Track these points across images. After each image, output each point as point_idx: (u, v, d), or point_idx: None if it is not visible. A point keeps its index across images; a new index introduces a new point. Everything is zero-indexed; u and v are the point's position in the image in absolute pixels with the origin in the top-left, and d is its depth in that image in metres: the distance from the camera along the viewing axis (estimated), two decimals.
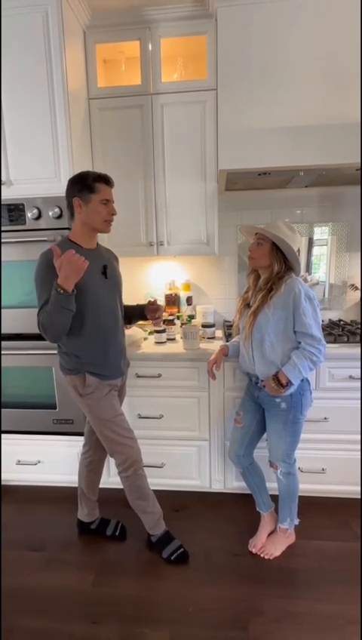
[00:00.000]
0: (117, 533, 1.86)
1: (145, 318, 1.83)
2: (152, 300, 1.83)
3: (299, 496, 1.74)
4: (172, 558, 1.70)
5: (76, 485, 1.88)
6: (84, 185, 1.50)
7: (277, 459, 1.70)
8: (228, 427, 2.01)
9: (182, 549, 1.72)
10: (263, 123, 1.87)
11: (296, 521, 1.78)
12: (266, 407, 1.69)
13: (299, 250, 1.61)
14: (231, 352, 1.82)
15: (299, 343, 1.56)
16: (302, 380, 1.59)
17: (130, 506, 1.70)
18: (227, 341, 1.93)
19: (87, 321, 1.52)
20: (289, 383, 1.54)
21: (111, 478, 2.11)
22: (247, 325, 1.61)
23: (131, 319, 1.85)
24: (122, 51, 2.19)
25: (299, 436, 1.68)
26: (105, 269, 1.61)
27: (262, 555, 1.72)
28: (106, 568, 1.69)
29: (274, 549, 1.74)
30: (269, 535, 1.79)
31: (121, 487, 1.68)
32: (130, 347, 2.01)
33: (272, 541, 1.76)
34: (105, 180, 1.54)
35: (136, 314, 1.83)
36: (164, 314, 2.03)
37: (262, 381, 1.64)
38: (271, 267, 1.58)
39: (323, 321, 2.31)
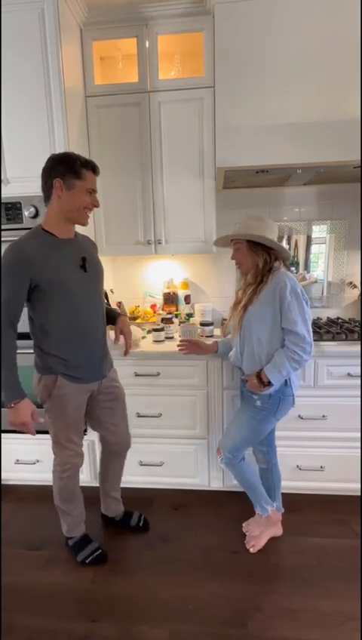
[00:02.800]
0: (140, 524, 1.88)
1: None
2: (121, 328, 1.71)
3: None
4: (87, 561, 1.68)
5: None
6: (71, 168, 1.37)
7: (225, 447, 1.68)
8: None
9: (99, 551, 1.70)
10: (261, 120, 1.86)
11: (270, 507, 1.76)
12: (243, 399, 1.71)
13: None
14: (221, 349, 1.83)
15: (285, 340, 1.54)
16: (286, 383, 1.58)
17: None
18: None
19: (63, 320, 1.43)
20: (270, 383, 1.53)
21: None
22: (237, 319, 1.61)
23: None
24: (119, 48, 2.18)
25: (258, 437, 1.68)
26: (85, 262, 1.48)
27: (248, 547, 1.75)
28: (105, 566, 1.69)
29: (255, 532, 1.76)
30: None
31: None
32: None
33: (253, 521, 1.81)
34: (93, 168, 1.43)
35: (110, 319, 1.71)
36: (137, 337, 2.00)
37: (246, 376, 1.64)
38: (256, 264, 1.57)
39: (320, 318, 2.33)
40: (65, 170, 1.37)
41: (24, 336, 1.99)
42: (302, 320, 1.49)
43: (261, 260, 1.56)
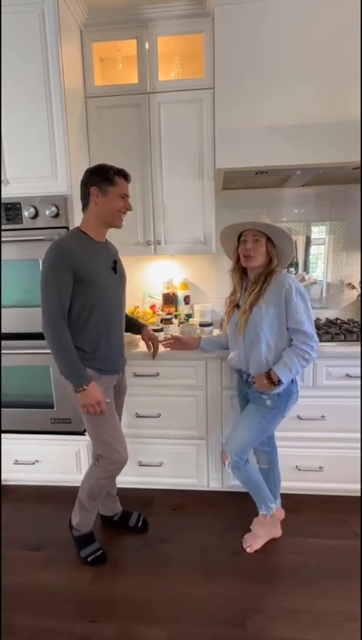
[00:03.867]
0: (139, 525, 1.88)
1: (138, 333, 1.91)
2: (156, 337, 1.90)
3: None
4: (89, 559, 1.70)
5: (73, 484, 1.88)
6: (105, 176, 1.50)
7: (232, 450, 1.67)
8: (227, 426, 2.02)
9: (100, 552, 1.72)
10: (261, 122, 1.87)
11: (274, 504, 1.77)
12: (251, 400, 1.70)
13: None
14: (203, 345, 1.90)
15: (291, 340, 1.56)
16: (292, 380, 1.60)
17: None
18: None
19: (96, 314, 1.52)
20: (279, 382, 1.54)
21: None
22: (242, 321, 1.60)
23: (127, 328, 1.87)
24: (119, 50, 2.18)
25: (265, 436, 1.71)
26: (115, 265, 1.62)
27: (244, 546, 1.76)
28: (104, 567, 1.69)
29: (259, 532, 1.77)
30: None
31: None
32: (128, 346, 2.01)
33: (257, 522, 1.80)
34: (125, 176, 1.55)
35: (133, 328, 1.88)
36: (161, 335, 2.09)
37: (252, 377, 1.64)
38: (269, 262, 1.58)
39: (319, 319, 2.34)
40: (101, 179, 1.50)
41: (21, 336, 2.02)
42: (308, 319, 1.53)
43: (275, 260, 1.59)
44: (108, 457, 1.61)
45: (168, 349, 1.96)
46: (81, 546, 1.73)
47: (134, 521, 1.89)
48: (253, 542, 1.76)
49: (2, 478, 2.22)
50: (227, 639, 1.37)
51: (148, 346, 1.90)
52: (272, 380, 1.55)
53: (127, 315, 1.81)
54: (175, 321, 2.30)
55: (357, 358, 1.88)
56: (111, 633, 1.41)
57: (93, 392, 1.50)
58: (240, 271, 1.68)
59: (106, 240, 1.66)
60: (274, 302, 1.53)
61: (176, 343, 1.95)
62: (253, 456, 1.87)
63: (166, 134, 2.11)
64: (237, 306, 1.67)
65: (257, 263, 1.58)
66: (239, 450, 1.66)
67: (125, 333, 1.78)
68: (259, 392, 1.62)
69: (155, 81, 2.07)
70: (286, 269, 1.66)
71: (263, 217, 1.59)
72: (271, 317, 1.55)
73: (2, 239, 1.95)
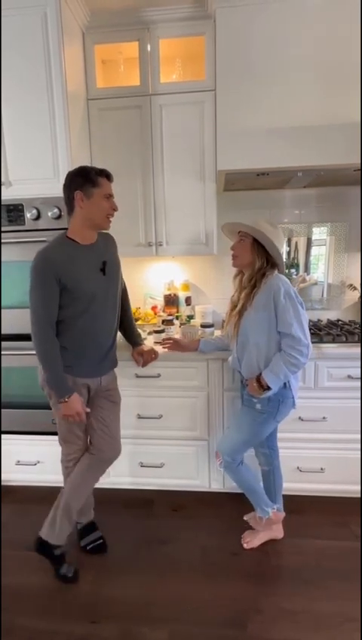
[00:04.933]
0: (94, 547, 1.78)
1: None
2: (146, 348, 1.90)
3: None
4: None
5: None
6: (87, 178, 1.47)
7: (224, 451, 1.68)
8: (228, 427, 2.02)
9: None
10: (262, 123, 1.88)
11: (271, 509, 1.75)
12: (244, 402, 1.71)
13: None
14: (203, 348, 1.91)
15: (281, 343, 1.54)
16: (285, 386, 1.58)
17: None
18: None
19: (79, 320, 1.51)
20: (269, 387, 1.53)
21: (110, 478, 2.11)
22: (232, 325, 1.61)
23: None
24: (121, 52, 2.19)
25: (257, 440, 1.70)
26: (105, 266, 1.57)
27: (243, 542, 1.77)
28: (105, 567, 1.70)
29: (256, 527, 1.78)
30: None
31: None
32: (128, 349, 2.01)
33: (254, 517, 1.81)
34: (107, 175, 1.53)
35: (130, 340, 1.90)
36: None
37: (246, 380, 1.65)
38: (253, 264, 1.57)
39: (321, 320, 2.34)
40: (83, 181, 1.47)
41: (22, 337, 2.02)
42: (297, 323, 1.49)
43: (259, 262, 1.56)
44: (63, 449, 1.70)
45: (166, 350, 1.96)
46: (59, 563, 1.67)
47: (89, 540, 1.80)
48: (252, 539, 1.76)
49: (4, 478, 2.23)
50: None
51: (136, 361, 1.89)
52: (261, 385, 1.54)
53: (130, 325, 1.85)
54: (176, 322, 2.30)
55: (358, 359, 1.88)
56: (111, 634, 1.41)
57: (74, 405, 1.51)
58: (242, 275, 1.68)
59: (97, 239, 1.60)
60: (263, 305, 1.53)
61: (175, 345, 1.96)
62: (255, 458, 1.87)
63: (167, 136, 2.12)
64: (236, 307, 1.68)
65: (240, 262, 1.60)
66: (231, 450, 1.66)
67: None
68: (251, 396, 1.62)
69: (157, 83, 2.08)
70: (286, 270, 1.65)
71: (260, 221, 1.58)
72: (260, 320, 1.54)
73: (4, 241, 1.95)
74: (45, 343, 1.47)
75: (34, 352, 1.57)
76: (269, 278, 1.54)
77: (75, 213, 1.52)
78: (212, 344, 1.92)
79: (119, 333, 1.96)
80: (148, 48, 2.06)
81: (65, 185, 1.51)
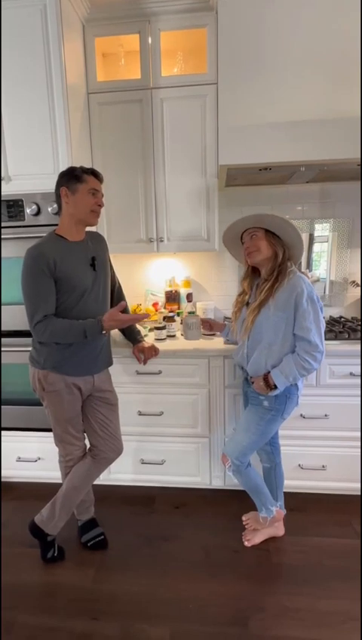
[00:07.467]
0: (94, 543, 1.78)
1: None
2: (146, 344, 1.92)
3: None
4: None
5: None
6: (72, 175, 1.50)
7: (232, 453, 1.65)
8: (229, 424, 2.01)
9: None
10: (264, 118, 1.85)
11: (274, 507, 1.75)
12: (250, 400, 1.69)
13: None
14: (224, 333, 1.94)
15: (296, 346, 1.51)
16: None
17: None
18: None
19: (68, 316, 1.52)
20: (275, 386, 1.52)
21: (111, 475, 2.11)
22: (249, 319, 1.56)
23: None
24: (121, 45, 2.16)
25: (265, 439, 1.67)
26: (94, 261, 1.59)
27: (244, 540, 1.77)
28: (106, 564, 1.69)
29: (256, 527, 1.78)
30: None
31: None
32: (128, 345, 2.00)
33: (254, 517, 1.81)
34: (94, 173, 1.55)
35: (130, 338, 1.94)
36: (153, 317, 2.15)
37: (251, 378, 1.63)
38: (274, 255, 1.53)
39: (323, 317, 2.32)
40: (68, 178, 1.51)
41: (23, 333, 2.01)
42: (316, 328, 1.46)
43: (280, 251, 1.52)
44: (60, 449, 1.72)
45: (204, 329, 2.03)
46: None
47: (90, 537, 1.80)
48: (253, 537, 1.76)
49: (4, 475, 2.23)
50: (229, 638, 1.37)
51: (138, 358, 1.91)
52: (268, 384, 1.53)
53: (131, 328, 1.90)
54: (177, 318, 2.29)
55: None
56: (112, 631, 1.41)
57: (110, 323, 1.50)
58: (251, 277, 1.66)
59: (86, 237, 1.61)
60: (283, 304, 1.48)
61: (207, 324, 1.98)
62: (256, 456, 1.86)
63: (169, 130, 2.10)
64: (248, 304, 1.64)
65: (261, 256, 1.55)
66: (239, 453, 1.64)
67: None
68: (257, 393, 1.61)
69: (158, 77, 2.06)
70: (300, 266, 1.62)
71: (261, 214, 1.53)
72: (278, 320, 1.50)
73: (4, 237, 1.94)
74: (48, 325, 1.47)
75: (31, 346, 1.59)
76: (292, 276, 1.50)
77: (62, 210, 1.55)
78: (229, 334, 1.91)
79: (119, 332, 1.96)
80: (149, 41, 2.03)
81: (55, 185, 1.55)
